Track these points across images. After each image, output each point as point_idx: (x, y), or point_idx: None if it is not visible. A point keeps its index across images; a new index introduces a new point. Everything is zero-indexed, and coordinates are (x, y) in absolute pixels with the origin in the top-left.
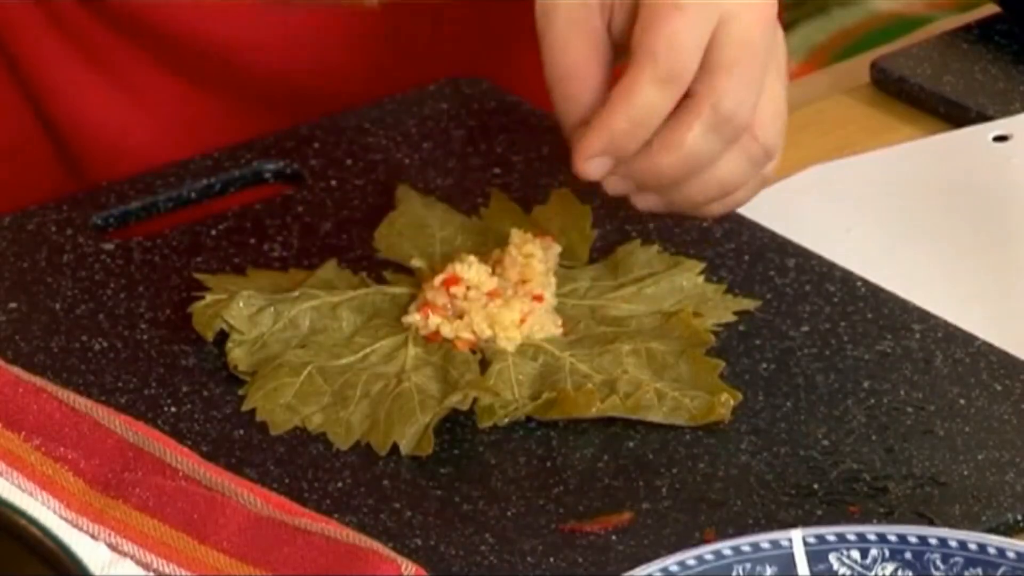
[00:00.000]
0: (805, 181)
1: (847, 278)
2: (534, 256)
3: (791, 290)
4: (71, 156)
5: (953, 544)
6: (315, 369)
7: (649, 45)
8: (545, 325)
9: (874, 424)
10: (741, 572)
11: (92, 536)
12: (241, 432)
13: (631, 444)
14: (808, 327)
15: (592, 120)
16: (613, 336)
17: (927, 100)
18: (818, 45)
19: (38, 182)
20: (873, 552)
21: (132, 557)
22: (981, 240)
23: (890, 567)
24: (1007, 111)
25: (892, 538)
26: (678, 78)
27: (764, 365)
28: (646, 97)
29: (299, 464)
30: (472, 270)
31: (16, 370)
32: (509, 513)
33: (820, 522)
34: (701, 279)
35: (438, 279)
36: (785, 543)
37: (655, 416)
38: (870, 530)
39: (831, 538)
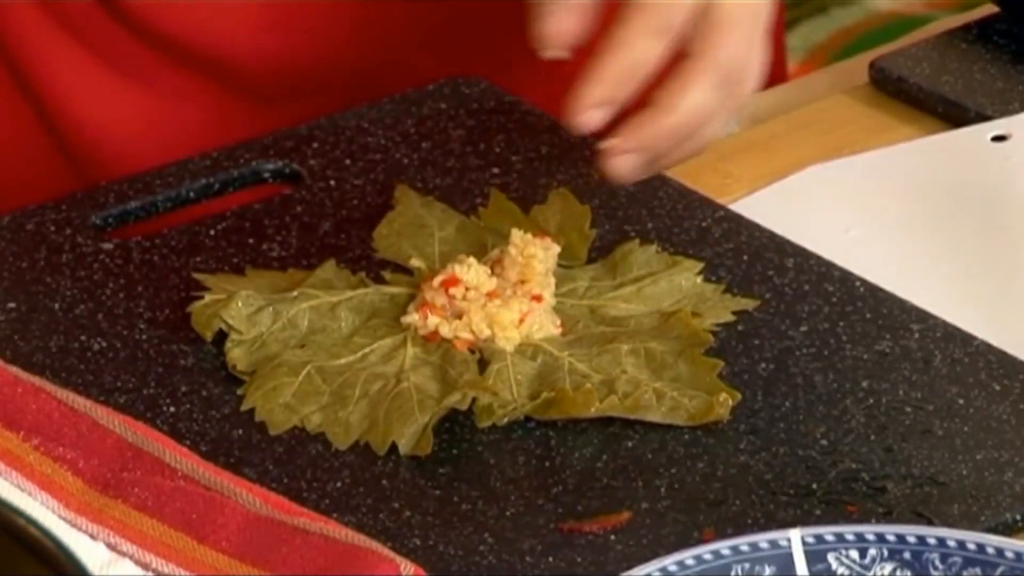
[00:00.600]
0: (804, 181)
1: (846, 278)
2: (535, 257)
3: (790, 290)
4: (71, 156)
5: (952, 544)
6: (314, 369)
7: None
8: (544, 325)
9: (873, 424)
10: (740, 572)
11: (91, 536)
12: (240, 432)
13: (630, 444)
14: (807, 327)
15: (585, 72)
16: (612, 336)
17: (926, 100)
18: (817, 45)
19: (39, 182)
20: (872, 552)
21: (131, 557)
22: (980, 240)
23: (888, 567)
24: (1006, 111)
25: (891, 538)
26: (669, 27)
27: (763, 365)
28: (638, 45)
29: (298, 464)
30: (471, 271)
31: (15, 370)
32: (508, 513)
33: (819, 522)
34: (700, 279)
35: (437, 280)
36: (784, 543)
37: (654, 416)
38: (869, 530)
39: (830, 538)
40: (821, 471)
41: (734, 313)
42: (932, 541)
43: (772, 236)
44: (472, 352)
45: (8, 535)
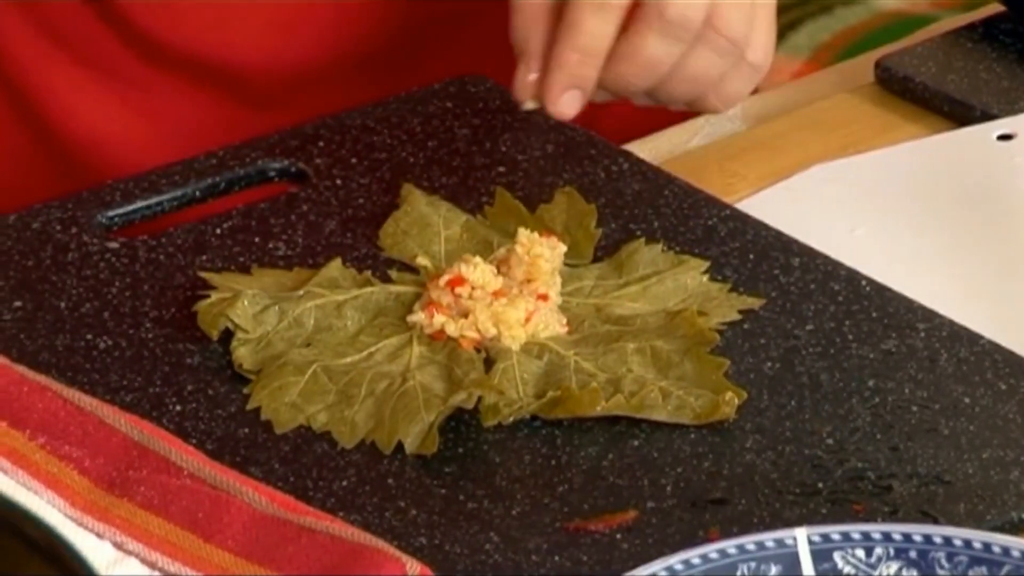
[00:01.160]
0: (809, 180)
1: (852, 277)
2: (541, 256)
3: (796, 289)
4: (75, 164)
5: (958, 543)
6: (320, 368)
7: None
8: (550, 324)
9: (879, 423)
10: (745, 571)
11: (97, 535)
12: (246, 431)
13: (635, 443)
14: (813, 326)
15: (546, 62)
16: (618, 335)
17: (931, 99)
18: (822, 44)
19: (39, 186)
20: (878, 551)
21: (137, 556)
22: (986, 239)
23: (895, 566)
24: (1011, 110)
25: (897, 537)
26: (613, 3)
27: (769, 364)
28: (588, 26)
29: (304, 463)
30: (477, 271)
31: (21, 368)
32: (514, 512)
33: (824, 521)
34: (706, 278)
35: (443, 279)
36: (789, 542)
37: (660, 415)
38: (875, 529)
39: (836, 537)
40: (827, 470)
41: (740, 312)
42: (938, 540)
43: (778, 235)
44: (478, 351)
45: (14, 534)
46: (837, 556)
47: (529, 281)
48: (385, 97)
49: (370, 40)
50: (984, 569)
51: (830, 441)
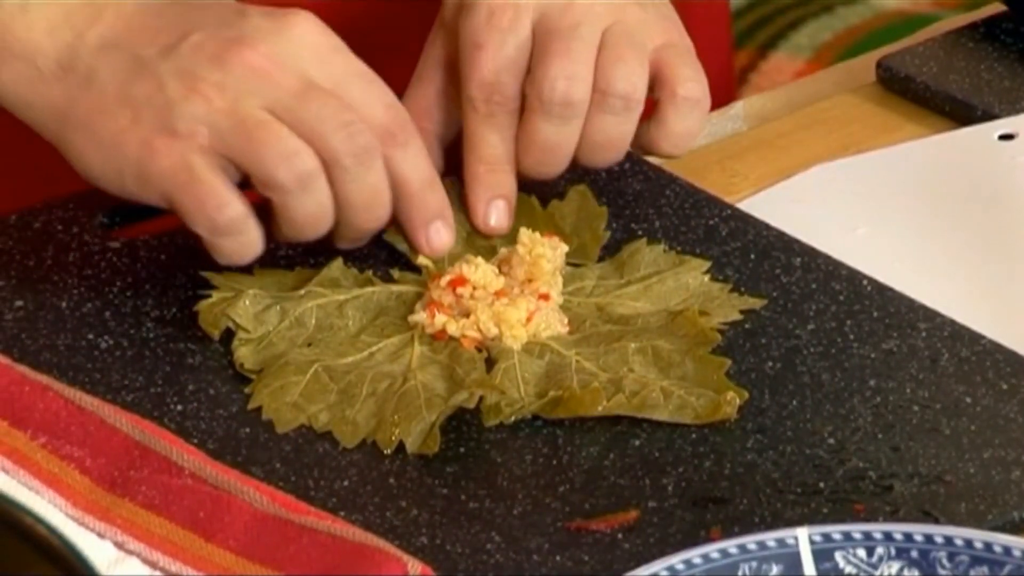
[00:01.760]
0: (810, 179)
1: (853, 277)
2: (543, 256)
3: (797, 289)
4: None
5: (959, 542)
6: (321, 367)
7: (466, 90)
8: (551, 323)
9: (880, 423)
10: (747, 571)
11: (98, 534)
12: (247, 430)
13: (637, 442)
14: (814, 325)
15: (463, 179)
16: (619, 334)
17: (933, 99)
18: (823, 44)
19: (39, 186)
20: (879, 551)
21: (138, 555)
22: (987, 238)
23: (896, 565)
24: (1013, 109)
25: (898, 536)
26: (499, 105)
27: (770, 364)
28: (482, 138)
29: (305, 462)
30: (479, 271)
31: (22, 368)
32: (515, 511)
33: (826, 520)
34: (707, 278)
35: (444, 279)
36: (791, 541)
37: (661, 414)
38: (876, 528)
39: (837, 536)
40: (828, 470)
41: (741, 312)
42: (939, 540)
43: (779, 235)
44: (479, 351)
45: (15, 533)
46: (838, 556)
47: (530, 281)
48: None
49: (369, 38)
50: (985, 569)
51: (831, 441)
